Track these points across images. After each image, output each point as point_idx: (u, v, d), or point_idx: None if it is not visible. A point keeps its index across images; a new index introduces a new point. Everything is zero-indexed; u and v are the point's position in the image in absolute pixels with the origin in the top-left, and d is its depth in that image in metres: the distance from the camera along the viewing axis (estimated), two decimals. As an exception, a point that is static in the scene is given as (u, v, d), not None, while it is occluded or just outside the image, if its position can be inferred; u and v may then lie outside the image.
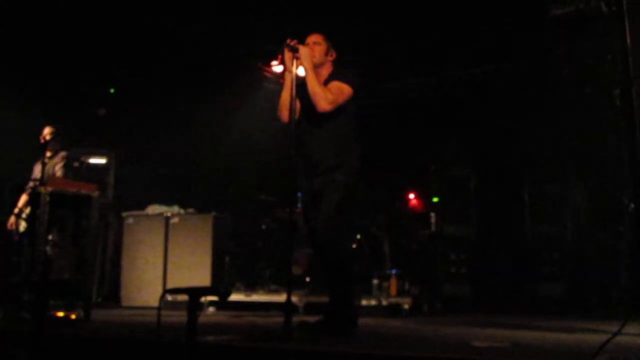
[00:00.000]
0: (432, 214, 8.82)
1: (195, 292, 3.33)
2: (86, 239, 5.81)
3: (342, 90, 4.33)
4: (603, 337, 2.93)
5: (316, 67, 4.39)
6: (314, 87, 4.28)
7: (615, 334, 2.89)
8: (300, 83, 4.35)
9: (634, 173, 2.90)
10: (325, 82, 4.40)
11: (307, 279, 7.74)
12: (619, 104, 3.00)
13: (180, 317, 3.56)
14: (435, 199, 8.87)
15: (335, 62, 4.59)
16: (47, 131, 6.75)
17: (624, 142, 2.95)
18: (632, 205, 2.84)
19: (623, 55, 3.01)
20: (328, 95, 4.27)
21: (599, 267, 7.87)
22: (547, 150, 8.69)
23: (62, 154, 6.91)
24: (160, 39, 8.33)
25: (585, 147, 8.15)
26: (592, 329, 5.01)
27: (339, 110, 4.34)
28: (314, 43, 4.50)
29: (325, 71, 4.51)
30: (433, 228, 8.76)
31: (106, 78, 8.84)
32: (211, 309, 7.33)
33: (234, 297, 7.41)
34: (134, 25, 8.09)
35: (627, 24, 3.05)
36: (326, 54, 4.53)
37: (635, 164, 2.90)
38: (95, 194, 5.75)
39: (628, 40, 3.03)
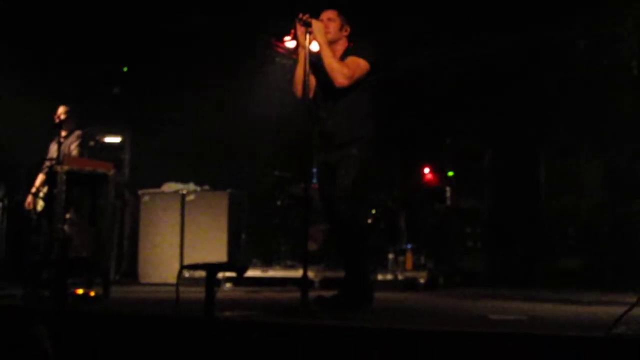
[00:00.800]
0: (448, 188, 8.80)
1: (212, 268, 3.36)
2: (103, 217, 5.85)
3: (358, 64, 4.31)
4: (620, 310, 2.93)
5: (331, 43, 4.37)
6: (331, 62, 4.26)
7: (632, 306, 2.89)
8: (316, 59, 4.33)
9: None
10: (342, 58, 4.38)
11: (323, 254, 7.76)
12: (637, 74, 2.96)
13: (198, 293, 3.60)
14: (450, 173, 8.84)
15: (350, 37, 4.56)
16: (61, 110, 6.77)
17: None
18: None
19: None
20: (345, 70, 4.25)
21: (615, 240, 7.84)
22: (563, 123, 8.61)
23: (77, 132, 6.95)
24: (173, 16, 8.29)
25: (602, 120, 8.08)
26: (608, 302, 5.00)
27: (356, 84, 4.32)
28: (328, 19, 4.47)
29: (341, 47, 4.49)
30: (448, 202, 8.75)
31: (119, 56, 8.86)
32: (228, 285, 7.38)
33: (251, 273, 7.45)
34: (146, 2, 8.07)
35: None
36: (340, 30, 4.50)
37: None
38: (111, 172, 5.77)
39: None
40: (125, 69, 9.55)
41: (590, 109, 8.19)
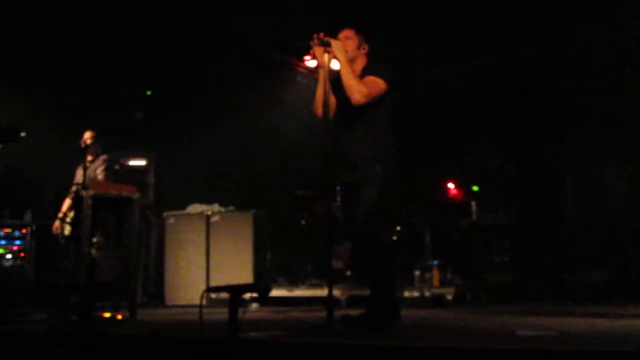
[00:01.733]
0: (473, 203, 8.74)
1: (235, 290, 3.36)
2: (129, 240, 5.89)
3: (376, 83, 4.33)
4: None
5: (349, 61, 4.39)
6: (349, 80, 4.28)
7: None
8: (336, 77, 4.34)
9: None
10: (360, 76, 4.39)
11: (348, 273, 7.74)
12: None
13: (224, 314, 3.59)
14: (475, 188, 8.79)
15: (368, 55, 4.57)
16: (87, 135, 6.86)
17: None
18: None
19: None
20: (362, 88, 4.26)
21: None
22: (587, 136, 8.53)
23: (103, 157, 7.03)
24: (194, 39, 8.39)
25: (625, 132, 7.99)
26: (638, 314, 4.91)
27: (375, 104, 4.33)
28: (346, 38, 4.49)
29: (359, 65, 4.50)
30: (474, 217, 8.68)
31: (142, 81, 8.98)
32: (254, 305, 7.37)
33: (277, 292, 7.45)
34: (167, 26, 8.17)
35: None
36: (358, 48, 4.52)
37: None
38: (136, 195, 5.83)
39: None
40: (149, 93, 9.70)
41: (613, 120, 8.12)
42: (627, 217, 8.05)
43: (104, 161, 6.99)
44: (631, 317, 4.85)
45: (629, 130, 7.83)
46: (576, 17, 7.39)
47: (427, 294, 6.99)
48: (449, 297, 6.91)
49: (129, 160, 8.83)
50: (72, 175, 7.07)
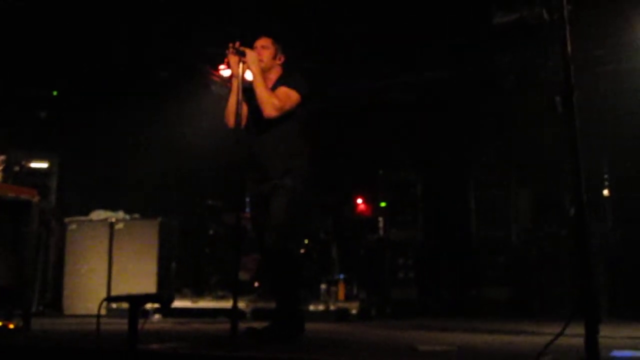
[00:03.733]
0: (380, 219, 8.87)
1: (135, 300, 3.25)
2: (26, 245, 5.63)
3: (289, 96, 4.31)
4: (547, 339, 2.98)
5: (264, 71, 4.36)
6: (261, 93, 4.25)
7: (558, 335, 2.94)
8: (248, 87, 4.30)
9: (575, 178, 2.95)
10: (274, 87, 4.37)
11: (256, 284, 7.68)
12: (561, 110, 3.05)
13: (124, 325, 3.47)
14: (383, 204, 8.92)
15: (283, 66, 4.56)
16: (-16, 134, 6.56)
17: (566, 147, 3.00)
18: (573, 210, 2.89)
19: (564, 62, 3.06)
20: (275, 101, 4.24)
21: (542, 271, 8.05)
22: (492, 155, 8.85)
23: (2, 157, 6.71)
24: (105, 41, 8.15)
25: (529, 152, 8.34)
26: (535, 331, 5.10)
27: (287, 115, 4.31)
28: (262, 47, 4.47)
29: (274, 75, 4.49)
30: (381, 233, 8.81)
31: (48, 80, 8.64)
32: (157, 316, 7.20)
33: (181, 303, 7.30)
34: (78, 25, 7.90)
35: (567, 31, 3.11)
36: (274, 58, 4.51)
37: (576, 170, 2.96)
38: (36, 198, 5.58)
39: (569, 48, 3.08)
40: (55, 93, 9.34)
41: (518, 140, 8.46)
42: (529, 236, 8.38)
43: (2, 162, 6.67)
44: (528, 333, 5.03)
45: (535, 154, 8.18)
46: (489, 42, 7.67)
47: (332, 307, 7.02)
48: (354, 311, 6.96)
49: (31, 162, 8.45)
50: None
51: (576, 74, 3.04)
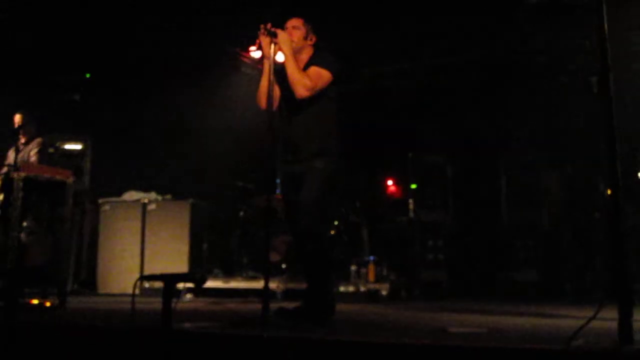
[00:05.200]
0: (410, 201, 8.84)
1: (169, 279, 3.30)
2: (61, 225, 5.74)
3: (320, 75, 4.29)
4: (578, 322, 2.96)
5: (295, 51, 4.35)
6: (293, 73, 4.24)
7: (590, 319, 2.92)
8: (280, 69, 4.30)
9: (610, 160, 2.92)
10: (305, 67, 4.36)
11: (284, 266, 7.73)
12: (596, 91, 3.01)
13: (157, 304, 3.53)
14: (413, 186, 8.89)
15: (315, 46, 4.54)
16: (17, 118, 6.67)
17: (600, 129, 2.96)
18: (608, 192, 2.86)
19: (600, 43, 3.01)
20: (306, 81, 4.23)
21: (574, 253, 7.96)
22: (524, 137, 8.75)
23: (38, 140, 6.83)
24: (136, 23, 8.20)
25: (561, 134, 8.23)
26: (567, 315, 5.06)
27: (319, 96, 4.30)
28: (293, 27, 4.45)
29: (305, 55, 4.47)
30: (411, 214, 8.79)
31: (81, 63, 8.72)
32: (189, 296, 7.30)
33: (212, 284, 7.38)
34: (110, 9, 7.96)
35: (604, 11, 3.06)
36: (305, 38, 4.49)
37: (612, 151, 2.92)
38: (70, 180, 5.67)
39: (605, 28, 3.03)
40: (87, 76, 9.44)
41: (549, 122, 8.35)
42: (561, 218, 8.29)
43: (39, 144, 6.79)
44: (560, 317, 4.99)
45: (566, 137, 8.06)
46: (521, 24, 7.56)
47: (362, 289, 7.04)
48: (384, 292, 6.98)
49: (65, 144, 8.59)
50: (4, 157, 6.84)
51: (612, 54, 2.99)
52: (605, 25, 3.03)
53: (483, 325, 4.15)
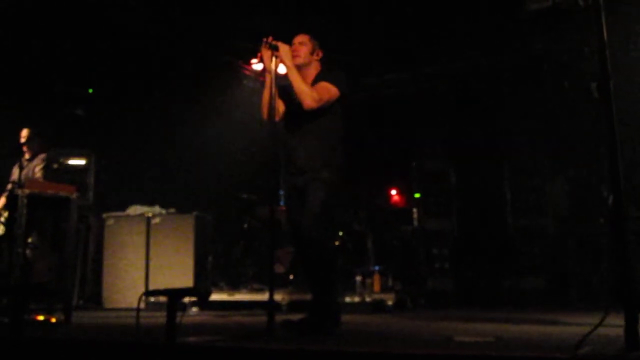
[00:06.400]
0: (414, 210, 8.84)
1: (173, 294, 3.30)
2: (66, 241, 5.74)
3: (328, 89, 4.33)
4: (584, 329, 2.94)
5: (303, 66, 4.39)
6: (299, 85, 4.26)
7: (597, 326, 2.90)
8: (285, 84, 4.33)
9: (612, 165, 2.91)
10: (313, 82, 4.39)
11: (290, 277, 7.72)
12: (597, 97, 3.01)
13: (163, 318, 3.53)
14: (417, 195, 8.89)
15: (322, 62, 4.57)
16: (24, 133, 6.69)
17: (602, 134, 2.96)
18: (612, 198, 2.85)
19: (600, 49, 3.02)
20: (314, 93, 4.26)
21: (580, 260, 7.93)
22: (527, 143, 8.74)
23: (42, 155, 6.86)
24: (139, 39, 8.24)
25: (565, 140, 8.22)
26: (573, 322, 5.04)
27: (325, 109, 4.32)
28: (300, 43, 4.48)
29: (313, 70, 4.50)
30: (415, 223, 8.78)
31: (84, 78, 8.75)
32: (194, 310, 7.28)
33: (217, 296, 7.38)
34: (111, 24, 8.01)
35: (603, 17, 3.06)
36: (312, 54, 4.52)
37: (613, 157, 2.92)
38: (74, 195, 5.69)
39: (605, 34, 3.04)
40: (90, 91, 9.47)
41: (552, 128, 8.34)
42: (566, 224, 8.27)
43: (43, 160, 6.81)
44: (566, 324, 4.98)
45: (570, 142, 8.05)
46: (523, 29, 7.56)
47: (367, 299, 7.03)
48: (390, 302, 6.96)
49: (69, 159, 8.58)
50: (9, 173, 6.86)
51: (612, 60, 2.99)
52: (605, 32, 3.04)
53: (489, 334, 4.13)
